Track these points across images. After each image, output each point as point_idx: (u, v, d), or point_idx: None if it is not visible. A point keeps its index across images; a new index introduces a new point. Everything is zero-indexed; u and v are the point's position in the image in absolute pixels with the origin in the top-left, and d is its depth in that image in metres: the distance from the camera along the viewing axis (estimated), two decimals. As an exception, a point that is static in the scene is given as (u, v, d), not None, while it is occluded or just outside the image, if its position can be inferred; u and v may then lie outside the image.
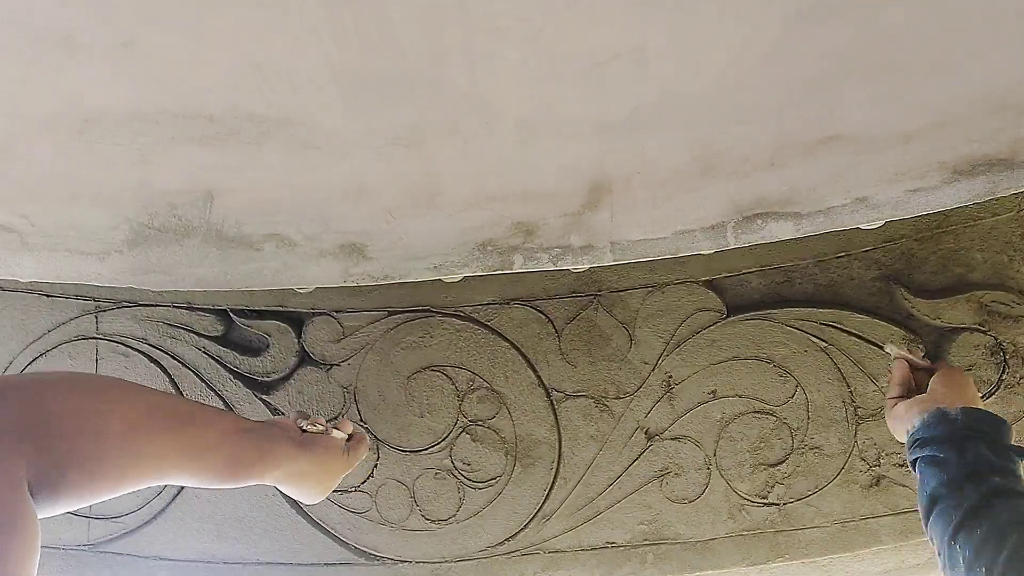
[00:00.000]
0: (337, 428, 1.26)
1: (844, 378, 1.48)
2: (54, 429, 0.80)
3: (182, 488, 1.56)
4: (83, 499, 0.84)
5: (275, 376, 1.54)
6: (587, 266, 1.21)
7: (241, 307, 1.54)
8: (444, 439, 1.54)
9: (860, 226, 1.16)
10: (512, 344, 1.52)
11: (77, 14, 0.98)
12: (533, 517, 1.54)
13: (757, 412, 1.51)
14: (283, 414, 1.54)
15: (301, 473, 1.14)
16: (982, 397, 1.46)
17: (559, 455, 1.53)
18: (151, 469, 0.92)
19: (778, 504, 1.52)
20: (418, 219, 1.17)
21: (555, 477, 1.53)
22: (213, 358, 1.54)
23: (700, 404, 1.51)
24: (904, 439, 1.24)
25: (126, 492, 0.90)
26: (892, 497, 1.49)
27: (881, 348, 1.45)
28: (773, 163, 1.12)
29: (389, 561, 1.56)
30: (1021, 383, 1.46)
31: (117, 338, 1.55)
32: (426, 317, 1.53)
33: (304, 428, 1.18)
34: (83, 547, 1.57)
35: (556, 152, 1.12)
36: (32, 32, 1.00)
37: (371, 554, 1.56)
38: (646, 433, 1.52)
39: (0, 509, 0.71)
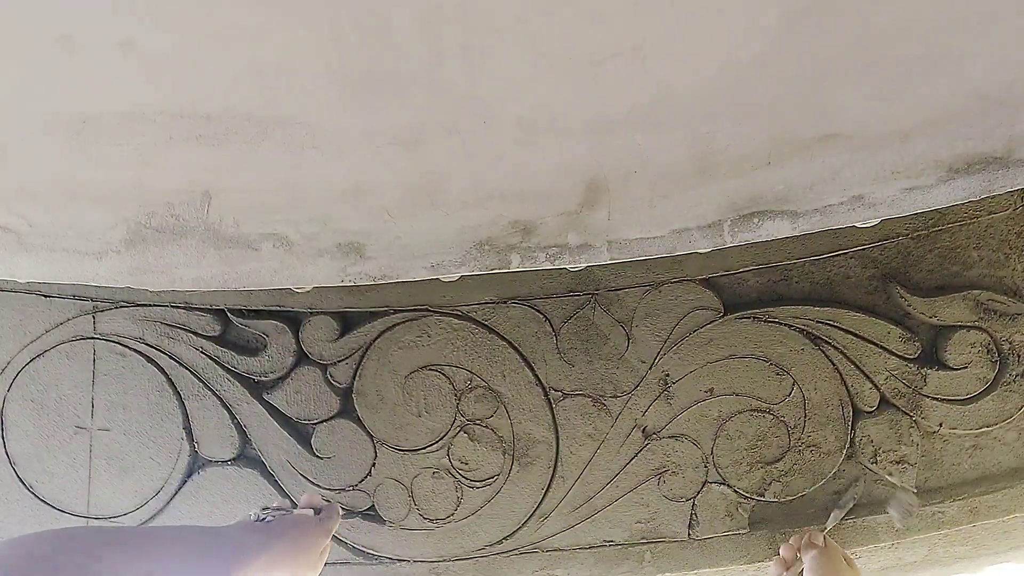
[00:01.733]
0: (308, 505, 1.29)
1: (841, 376, 1.49)
2: None
3: (180, 488, 1.56)
4: None
5: (273, 376, 1.54)
6: (584, 265, 1.21)
7: (239, 307, 1.54)
8: (442, 438, 1.54)
9: (856, 224, 1.16)
10: (510, 343, 1.53)
11: (76, 14, 0.98)
12: (531, 516, 1.54)
13: (754, 410, 1.51)
14: (284, 414, 1.54)
15: (281, 556, 1.14)
16: (980, 394, 1.47)
17: (557, 454, 1.53)
18: None
19: (775, 502, 1.52)
20: (416, 218, 1.17)
21: (553, 476, 1.54)
22: (211, 358, 1.54)
23: (697, 402, 1.52)
24: None
25: None
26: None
27: (878, 345, 1.46)
28: (770, 161, 1.12)
29: (387, 560, 1.56)
30: (1017, 380, 1.46)
31: (115, 338, 1.54)
32: (424, 316, 1.53)
33: (263, 518, 1.19)
34: (81, 547, 1.57)
35: (554, 151, 1.12)
36: (30, 32, 1.00)
37: (369, 553, 1.56)
38: (643, 431, 1.52)
39: None
